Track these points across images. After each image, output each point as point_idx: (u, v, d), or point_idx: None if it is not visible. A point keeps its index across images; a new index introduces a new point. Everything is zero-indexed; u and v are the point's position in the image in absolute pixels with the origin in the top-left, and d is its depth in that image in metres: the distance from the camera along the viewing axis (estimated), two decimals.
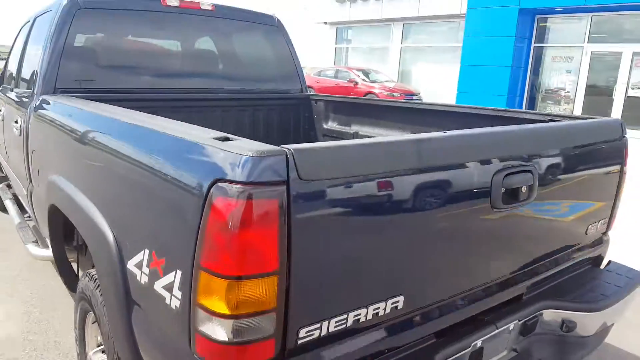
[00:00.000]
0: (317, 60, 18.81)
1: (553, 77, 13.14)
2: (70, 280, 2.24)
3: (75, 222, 1.64)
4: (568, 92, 12.76)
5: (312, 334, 1.08)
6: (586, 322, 1.69)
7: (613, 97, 11.70)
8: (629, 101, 11.47)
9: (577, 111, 12.61)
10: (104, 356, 1.77)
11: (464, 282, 1.42)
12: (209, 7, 3.10)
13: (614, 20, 11.80)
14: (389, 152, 1.16)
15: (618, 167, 1.88)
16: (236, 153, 0.98)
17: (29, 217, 3.44)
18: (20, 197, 3.35)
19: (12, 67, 3.64)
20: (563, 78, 12.89)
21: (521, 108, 13.59)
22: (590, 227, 1.84)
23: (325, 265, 1.07)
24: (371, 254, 1.15)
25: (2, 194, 4.15)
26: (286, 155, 0.97)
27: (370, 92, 14.33)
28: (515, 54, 12.80)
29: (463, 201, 1.32)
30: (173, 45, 3.09)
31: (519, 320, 1.59)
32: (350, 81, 15.05)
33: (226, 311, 0.97)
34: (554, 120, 2.04)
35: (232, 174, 0.96)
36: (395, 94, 14.41)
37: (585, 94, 12.36)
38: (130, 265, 1.28)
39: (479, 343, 1.45)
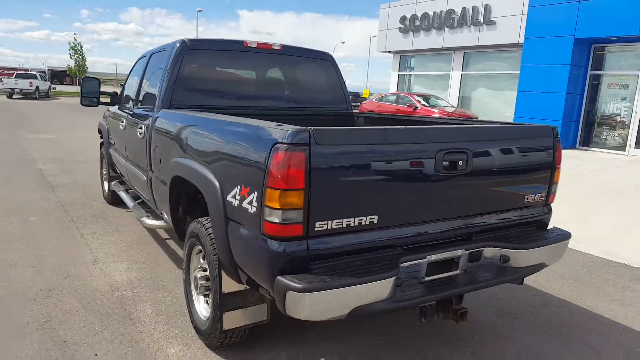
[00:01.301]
0: (383, 85, 19.76)
1: (609, 103, 13.32)
2: (180, 231, 3.34)
3: (194, 181, 2.72)
4: (623, 118, 12.87)
5: (322, 227, 2.07)
6: (516, 257, 2.54)
7: None
8: None
9: (633, 138, 12.65)
10: (203, 273, 2.84)
11: (419, 215, 2.35)
12: (278, 47, 4.22)
13: None
14: (368, 133, 2.15)
15: (549, 160, 2.73)
16: (284, 130, 2.00)
17: (140, 202, 4.67)
18: (136, 187, 4.53)
19: (130, 91, 4.93)
20: (618, 104, 13.05)
21: (577, 133, 13.78)
22: (527, 196, 2.70)
23: (329, 189, 2.06)
24: (358, 186, 2.13)
25: (117, 188, 5.46)
26: (309, 131, 1.98)
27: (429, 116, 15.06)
28: (571, 81, 13.14)
29: (418, 164, 2.26)
30: (251, 74, 4.24)
31: (466, 250, 2.47)
32: (410, 106, 15.81)
33: (279, 207, 1.98)
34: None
35: (282, 139, 1.98)
36: (453, 118, 15.06)
37: None
38: (229, 197, 2.33)
39: (433, 258, 2.36)
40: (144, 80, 4.43)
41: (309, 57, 4.42)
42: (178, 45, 3.75)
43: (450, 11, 16.91)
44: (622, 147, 13.01)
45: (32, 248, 4.42)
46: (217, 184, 2.43)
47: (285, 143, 1.97)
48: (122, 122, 4.66)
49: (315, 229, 2.06)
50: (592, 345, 3.06)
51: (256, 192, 2.10)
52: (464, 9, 16.42)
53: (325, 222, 2.07)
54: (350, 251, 2.17)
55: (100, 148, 6.38)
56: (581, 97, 13.62)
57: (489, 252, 2.55)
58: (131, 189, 5.14)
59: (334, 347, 2.91)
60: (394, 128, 2.23)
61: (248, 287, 2.50)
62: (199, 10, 48.11)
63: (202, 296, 2.94)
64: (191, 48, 3.77)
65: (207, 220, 2.73)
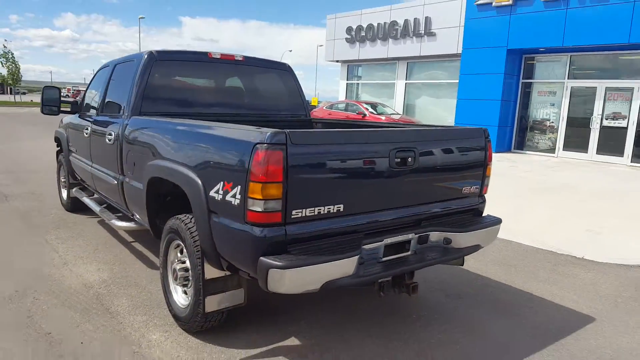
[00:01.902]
0: (331, 93, 20.39)
1: (539, 109, 14.48)
2: (156, 229, 3.57)
3: (176, 180, 2.98)
4: (552, 123, 14.05)
5: (298, 214, 2.42)
6: (457, 239, 3.00)
7: (591, 127, 12.96)
8: (604, 131, 12.71)
9: (561, 141, 13.84)
10: (182, 265, 3.11)
11: (377, 204, 2.75)
12: (240, 58, 4.54)
13: (588, 59, 13.18)
14: (334, 135, 2.54)
15: (482, 157, 3.22)
16: (264, 132, 2.35)
17: (105, 206, 4.83)
18: (102, 192, 4.67)
19: (93, 100, 5.07)
20: (548, 110, 14.22)
21: (512, 137, 14.86)
22: (464, 188, 3.18)
23: (303, 182, 2.42)
24: (326, 179, 2.50)
25: (79, 194, 5.56)
26: (285, 133, 2.33)
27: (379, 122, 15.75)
28: (505, 89, 14.19)
29: (376, 161, 2.67)
30: (215, 84, 4.53)
31: (416, 234, 2.90)
32: (359, 113, 16.44)
33: (261, 197, 2.32)
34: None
35: (262, 140, 2.32)
36: (399, 124, 15.82)
37: (567, 125, 13.64)
38: (212, 192, 2.63)
39: (389, 241, 2.77)
40: (109, 90, 4.61)
41: (269, 67, 4.77)
42: (146, 56, 3.98)
43: (394, 23, 17.76)
44: (552, 149, 14.18)
45: None
46: (199, 181, 2.72)
47: (265, 143, 2.31)
48: (87, 129, 4.79)
49: (292, 217, 2.41)
50: (524, 316, 3.58)
51: (239, 186, 2.42)
52: (406, 21, 17.30)
53: (300, 210, 2.43)
54: (321, 235, 2.54)
55: (58, 156, 6.41)
56: (514, 104, 14.73)
57: (435, 235, 3.00)
58: (94, 195, 5.27)
59: (305, 326, 3.26)
60: (356, 130, 2.63)
61: (228, 274, 2.81)
62: (141, 18, 47.21)
63: (180, 287, 3.20)
64: (158, 59, 4.01)
65: (185, 216, 3.02)
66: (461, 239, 3.02)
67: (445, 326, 3.34)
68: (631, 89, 12.19)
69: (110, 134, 4.09)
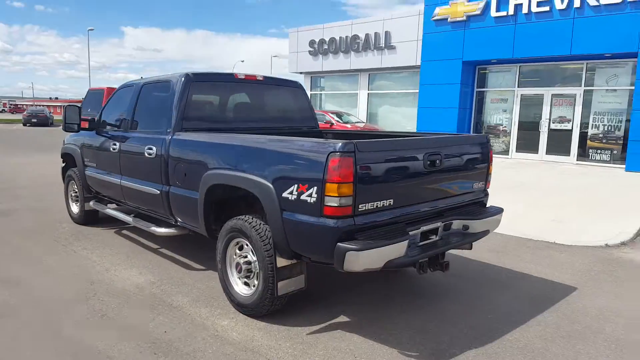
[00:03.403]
0: None
1: (493, 115, 15.73)
2: (211, 231, 4.04)
3: (244, 186, 3.47)
4: (505, 127, 15.31)
5: (363, 208, 3.02)
6: (473, 225, 3.70)
7: (540, 130, 14.27)
8: (552, 133, 14.05)
9: (513, 144, 15.12)
10: (244, 259, 3.62)
11: (415, 198, 3.41)
12: (261, 78, 5.09)
13: (536, 68, 14.54)
14: (387, 143, 3.19)
15: (486, 158, 3.96)
16: (337, 142, 2.94)
17: (134, 215, 5.22)
18: (137, 202, 5.02)
19: (116, 118, 5.47)
20: (500, 116, 15.48)
21: None
22: (474, 184, 3.89)
23: (366, 181, 3.02)
24: (381, 179, 3.13)
25: (99, 207, 5.88)
26: (354, 143, 2.94)
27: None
28: (461, 98, 15.33)
29: (415, 163, 3.32)
30: (241, 101, 5.06)
31: (442, 222, 3.58)
32: (327, 122, 17.09)
33: (336, 195, 2.90)
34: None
35: (336, 149, 2.91)
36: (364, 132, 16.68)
37: (519, 129, 14.93)
38: (285, 194, 3.18)
39: (424, 228, 3.42)
40: (138, 108, 5.03)
41: (284, 85, 5.36)
42: (183, 79, 4.45)
43: (355, 36, 18.67)
44: (506, 151, 15.44)
45: (33, 265, 4.76)
46: (270, 185, 3.27)
47: (338, 151, 2.91)
48: (114, 145, 5.16)
49: (359, 210, 3.01)
50: (520, 289, 4.33)
51: (315, 187, 2.99)
52: (367, 35, 18.25)
53: (364, 204, 3.04)
54: (378, 225, 3.15)
55: (64, 172, 6.67)
56: (470, 111, 15.92)
57: (456, 223, 3.69)
58: (115, 205, 5.63)
59: (346, 307, 3.85)
60: (402, 139, 3.28)
61: (294, 262, 3.37)
62: (90, 30, 46.16)
63: (242, 278, 3.70)
64: (194, 80, 4.51)
65: (248, 216, 3.54)
66: (476, 225, 3.73)
67: (460, 301, 4.03)
68: (574, 95, 13.58)
69: (150, 149, 4.51)
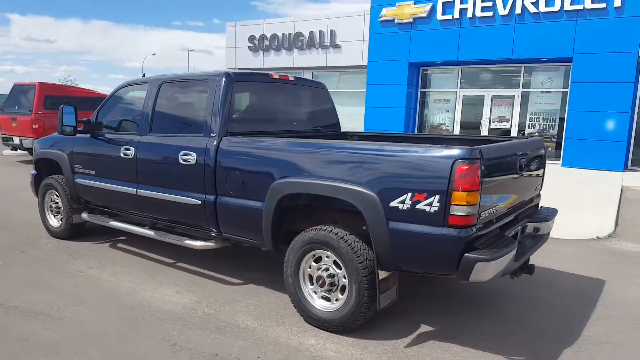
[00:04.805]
0: None
1: (436, 115, 16.41)
2: (277, 243, 3.77)
3: (339, 196, 3.23)
4: (447, 126, 16.06)
5: (483, 216, 2.99)
6: (543, 227, 3.82)
7: (481, 129, 15.16)
8: (492, 132, 14.98)
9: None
10: (325, 272, 3.42)
11: (512, 203, 3.44)
12: (292, 79, 4.85)
13: (477, 71, 15.40)
14: (505, 147, 3.20)
15: (544, 163, 4.11)
16: (462, 149, 2.87)
17: (148, 227, 4.75)
18: (163, 213, 4.53)
19: (123, 119, 4.96)
20: (443, 116, 16.19)
21: None
22: (536, 187, 4.03)
23: (487, 189, 2.98)
24: (496, 185, 3.11)
25: (101, 220, 5.25)
26: (479, 148, 2.89)
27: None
28: (407, 98, 15.81)
29: (516, 168, 3.36)
30: (277, 102, 4.79)
31: (520, 226, 3.65)
32: None
33: (465, 204, 2.83)
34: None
35: (463, 156, 2.84)
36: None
37: (461, 128, 15.73)
38: (393, 203, 3.04)
39: (512, 232, 3.47)
40: (158, 109, 4.56)
41: (311, 86, 5.18)
42: (225, 78, 4.09)
43: (299, 34, 18.49)
44: None
45: (47, 290, 4.16)
46: (374, 194, 3.11)
47: (466, 158, 2.83)
48: (127, 150, 4.63)
49: (480, 218, 2.96)
50: (557, 286, 4.54)
51: (437, 196, 2.89)
52: (311, 33, 18.15)
53: (485, 212, 3.00)
54: (488, 232, 3.13)
55: (37, 182, 5.90)
56: (414, 110, 16.46)
57: (530, 226, 3.79)
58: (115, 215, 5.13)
59: (422, 315, 3.79)
60: (514, 143, 3.36)
61: (390, 273, 3.25)
62: None
63: (320, 292, 3.49)
64: (235, 80, 4.17)
65: (332, 227, 3.36)
66: (545, 227, 3.85)
67: (516, 302, 4.15)
68: (512, 97, 14.58)
69: (187, 155, 4.10)
